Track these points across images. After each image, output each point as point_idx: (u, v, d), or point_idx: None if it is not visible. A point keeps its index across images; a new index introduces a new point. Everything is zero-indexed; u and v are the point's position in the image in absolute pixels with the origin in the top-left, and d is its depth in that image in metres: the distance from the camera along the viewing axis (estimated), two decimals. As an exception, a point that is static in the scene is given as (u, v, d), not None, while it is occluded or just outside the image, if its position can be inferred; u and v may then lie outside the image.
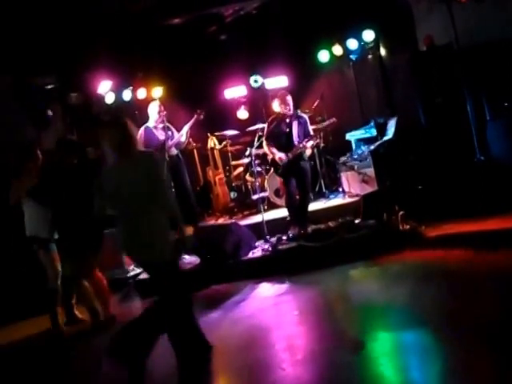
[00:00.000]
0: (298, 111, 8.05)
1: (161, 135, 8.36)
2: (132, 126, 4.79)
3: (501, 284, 4.96)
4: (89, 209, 5.97)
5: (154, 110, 8.42)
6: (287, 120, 7.79)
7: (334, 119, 8.44)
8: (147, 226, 4.42)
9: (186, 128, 8.46)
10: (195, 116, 8.54)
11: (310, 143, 7.86)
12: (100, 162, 9.67)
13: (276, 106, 8.16)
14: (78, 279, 6.41)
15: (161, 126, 8.37)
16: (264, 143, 8.07)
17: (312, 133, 7.94)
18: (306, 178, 7.79)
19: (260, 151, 8.90)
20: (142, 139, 8.40)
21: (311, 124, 8.89)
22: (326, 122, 8.55)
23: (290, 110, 7.80)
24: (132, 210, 4.45)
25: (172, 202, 4.64)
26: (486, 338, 3.96)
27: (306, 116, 8.11)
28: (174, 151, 8.49)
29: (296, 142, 7.71)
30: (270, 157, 8.16)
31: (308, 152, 8.95)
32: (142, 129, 8.43)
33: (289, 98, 7.83)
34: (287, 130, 7.75)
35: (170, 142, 8.37)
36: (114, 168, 4.58)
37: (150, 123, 8.43)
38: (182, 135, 8.46)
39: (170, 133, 8.44)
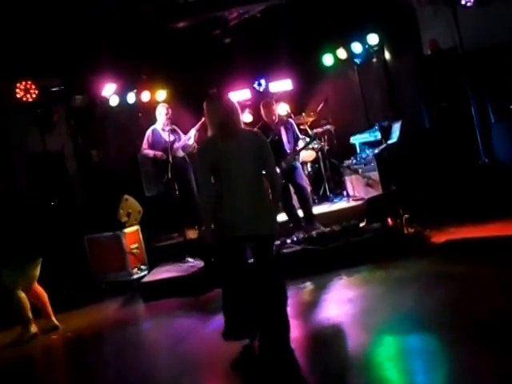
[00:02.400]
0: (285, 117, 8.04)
1: (167, 136, 8.38)
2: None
3: (505, 288, 4.94)
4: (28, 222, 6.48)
5: (161, 112, 8.44)
6: (273, 128, 7.73)
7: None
8: None
9: (193, 131, 8.45)
10: (203, 119, 8.52)
11: (300, 144, 7.83)
12: (102, 165, 9.76)
13: (263, 114, 8.03)
14: (16, 290, 6.47)
15: (168, 128, 8.40)
16: None
17: (300, 136, 7.92)
18: (298, 176, 7.76)
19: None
20: (149, 140, 8.44)
21: (315, 128, 8.91)
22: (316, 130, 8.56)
23: (276, 119, 7.77)
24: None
25: None
26: (490, 342, 3.94)
27: (291, 120, 8.09)
28: (181, 153, 8.50)
29: (288, 150, 7.68)
30: None
31: (310, 154, 8.96)
32: (150, 130, 8.48)
33: (273, 106, 7.80)
34: (276, 137, 7.68)
35: (176, 144, 8.39)
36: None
37: (158, 125, 8.47)
38: (189, 138, 8.46)
39: (176, 135, 8.47)
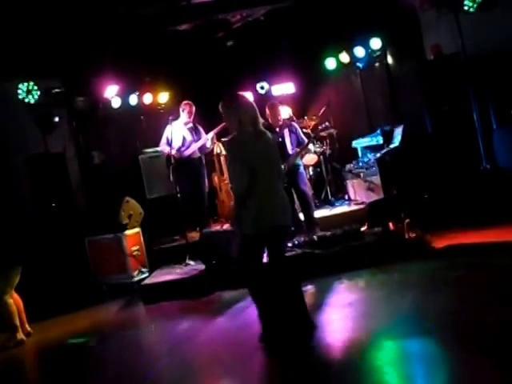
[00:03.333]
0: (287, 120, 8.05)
1: (187, 135, 8.37)
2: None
3: (505, 294, 4.94)
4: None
5: (184, 109, 8.46)
6: (277, 130, 7.74)
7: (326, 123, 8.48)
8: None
9: (211, 134, 8.47)
10: (223, 123, 8.52)
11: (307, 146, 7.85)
12: (104, 167, 9.77)
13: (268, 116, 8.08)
14: (4, 296, 6.45)
15: (189, 126, 8.40)
16: None
17: (305, 139, 7.93)
18: (302, 183, 7.74)
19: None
20: (168, 137, 8.43)
21: (318, 132, 8.89)
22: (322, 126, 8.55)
23: (280, 120, 7.78)
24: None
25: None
26: (490, 349, 3.93)
27: (295, 124, 8.10)
28: (197, 154, 8.52)
29: (290, 152, 7.68)
30: None
31: (312, 158, 8.95)
32: (170, 126, 8.42)
33: (279, 108, 7.81)
34: (279, 139, 7.68)
35: (194, 144, 8.42)
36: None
37: (179, 122, 8.47)
38: (207, 139, 8.47)
39: (196, 135, 8.48)
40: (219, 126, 8.39)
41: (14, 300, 6.57)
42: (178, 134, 8.39)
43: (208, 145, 8.56)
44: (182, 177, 8.27)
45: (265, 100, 9.56)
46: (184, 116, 8.48)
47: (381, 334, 4.72)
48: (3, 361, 6.19)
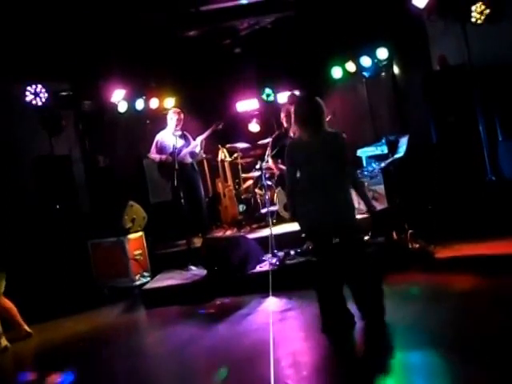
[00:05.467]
0: None
1: (176, 142, 8.39)
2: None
3: (509, 308, 4.91)
4: None
5: (172, 117, 8.46)
6: (292, 135, 7.74)
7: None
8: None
9: (199, 138, 8.48)
10: (213, 126, 8.54)
11: None
12: (109, 171, 9.79)
13: (283, 120, 8.11)
14: None
15: (178, 133, 8.40)
16: (270, 161, 8.06)
17: None
18: None
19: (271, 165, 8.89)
20: (157, 145, 8.44)
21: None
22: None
23: None
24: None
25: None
26: (493, 361, 3.92)
27: None
28: (189, 160, 8.50)
29: None
30: (277, 173, 8.13)
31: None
32: (159, 135, 8.47)
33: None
34: None
35: (184, 150, 8.41)
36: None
37: (168, 130, 8.47)
38: (196, 145, 8.47)
39: (185, 142, 8.48)
40: (207, 132, 8.40)
41: (4, 305, 6.53)
42: (168, 141, 8.40)
43: (197, 150, 8.53)
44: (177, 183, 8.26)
45: (270, 107, 9.60)
46: (172, 124, 8.45)
47: (382, 345, 4.70)
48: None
